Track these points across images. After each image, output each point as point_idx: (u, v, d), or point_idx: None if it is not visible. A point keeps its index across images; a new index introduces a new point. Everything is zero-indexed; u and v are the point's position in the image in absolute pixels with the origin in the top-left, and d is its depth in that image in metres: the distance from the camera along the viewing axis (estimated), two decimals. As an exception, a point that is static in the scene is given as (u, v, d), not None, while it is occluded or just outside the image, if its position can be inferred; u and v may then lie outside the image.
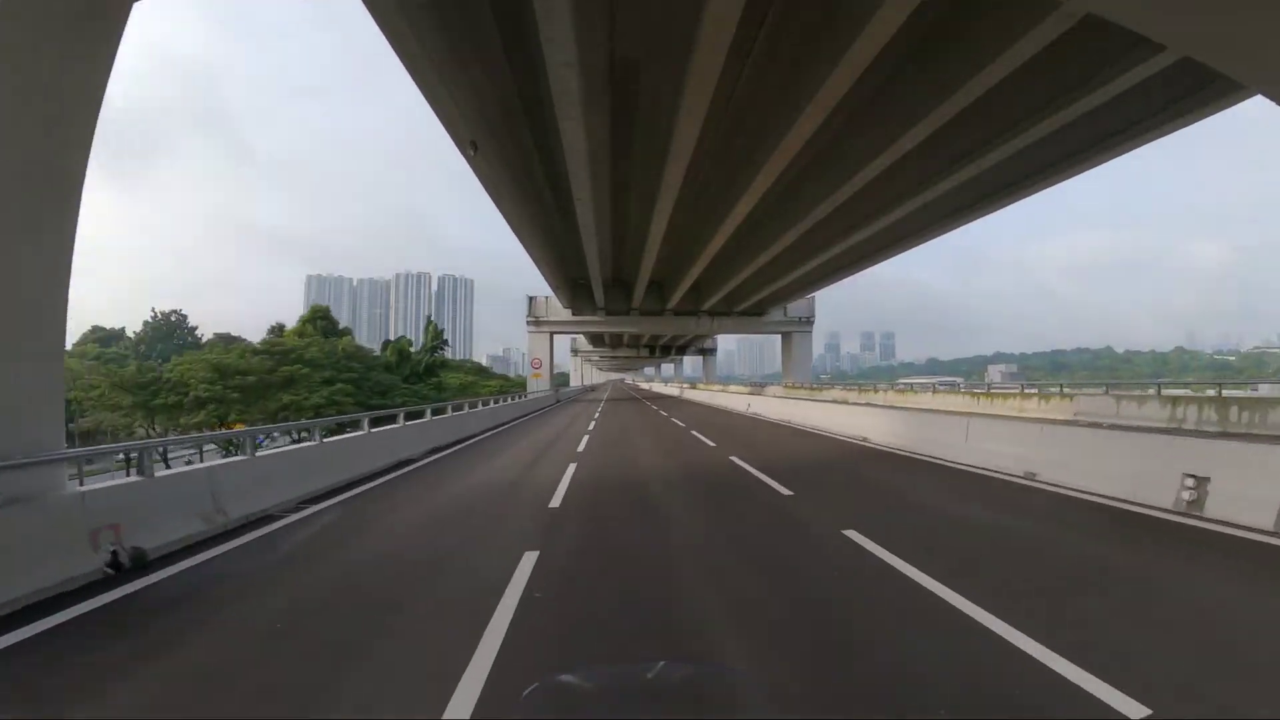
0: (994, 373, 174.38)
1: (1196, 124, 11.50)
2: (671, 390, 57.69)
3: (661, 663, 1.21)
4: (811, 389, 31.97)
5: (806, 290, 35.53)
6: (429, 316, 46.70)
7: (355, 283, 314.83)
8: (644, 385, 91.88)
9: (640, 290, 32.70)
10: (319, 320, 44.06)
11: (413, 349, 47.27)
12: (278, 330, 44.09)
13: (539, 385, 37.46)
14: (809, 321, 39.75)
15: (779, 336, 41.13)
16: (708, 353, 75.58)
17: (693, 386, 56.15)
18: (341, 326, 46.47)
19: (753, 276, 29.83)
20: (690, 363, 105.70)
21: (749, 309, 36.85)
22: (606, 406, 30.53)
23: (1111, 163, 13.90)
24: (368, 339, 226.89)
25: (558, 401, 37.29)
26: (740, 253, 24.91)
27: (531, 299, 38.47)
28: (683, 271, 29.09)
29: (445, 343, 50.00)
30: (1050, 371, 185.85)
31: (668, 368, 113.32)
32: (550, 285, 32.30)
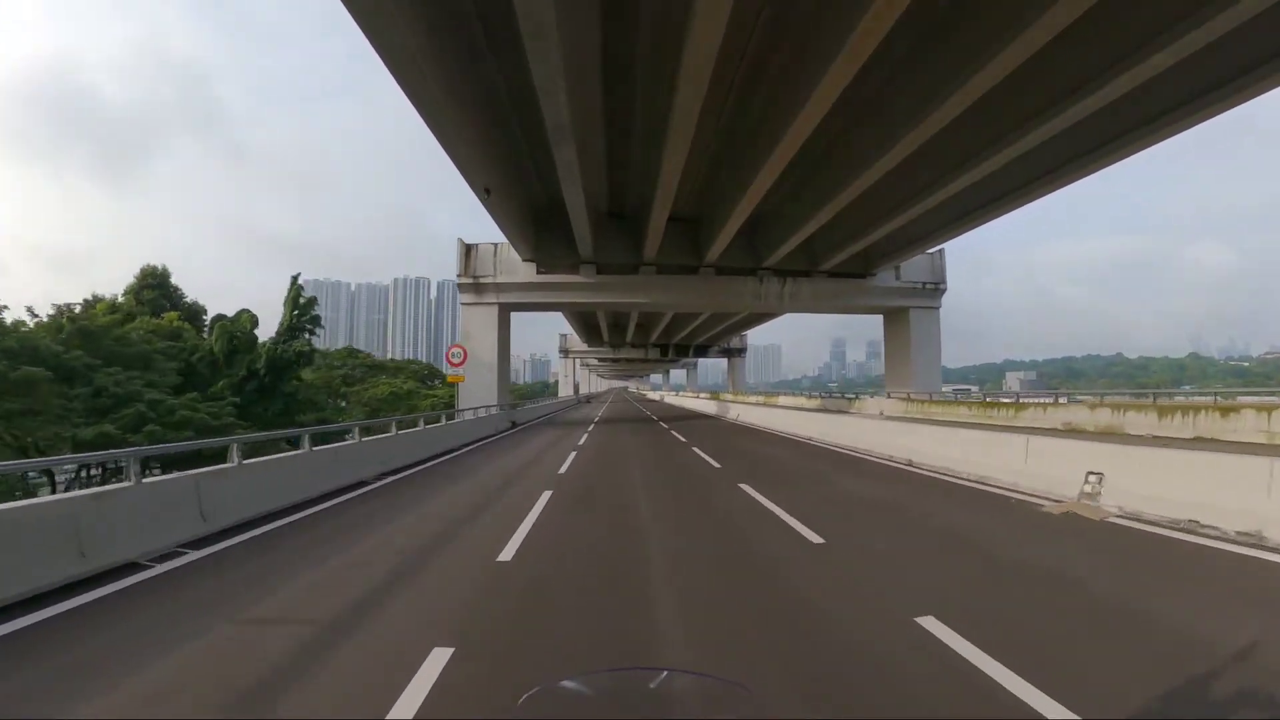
0: (1012, 381, 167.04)
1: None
2: (691, 402, 40.67)
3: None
4: (985, 404, 16.92)
5: (931, 240, 20.31)
6: (294, 277, 29.98)
7: (353, 288, 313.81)
8: (651, 396, 76.47)
9: (657, 230, 17.69)
10: (146, 290, 28.35)
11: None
12: (91, 305, 28.42)
13: (482, 396, 21.01)
14: (937, 290, 23.77)
15: (877, 318, 25.22)
16: (734, 353, 58.36)
17: (715, 397, 41.60)
18: (330, 322, 28.69)
19: (859, 202, 15.33)
20: (704, 368, 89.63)
21: (843, 265, 21.34)
22: (593, 448, 15.45)
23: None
24: (365, 344, 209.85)
25: (512, 426, 21.57)
26: (837, 156, 13.76)
27: (469, 249, 22.30)
28: (732, 197, 14.95)
29: (316, 320, 31.53)
30: (1066, 379, 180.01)
31: (677, 374, 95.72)
32: (491, 212, 16.90)
